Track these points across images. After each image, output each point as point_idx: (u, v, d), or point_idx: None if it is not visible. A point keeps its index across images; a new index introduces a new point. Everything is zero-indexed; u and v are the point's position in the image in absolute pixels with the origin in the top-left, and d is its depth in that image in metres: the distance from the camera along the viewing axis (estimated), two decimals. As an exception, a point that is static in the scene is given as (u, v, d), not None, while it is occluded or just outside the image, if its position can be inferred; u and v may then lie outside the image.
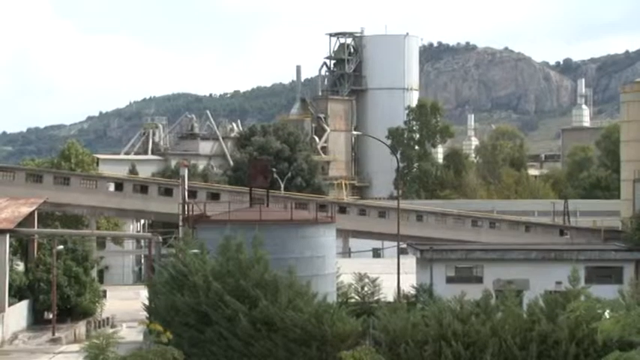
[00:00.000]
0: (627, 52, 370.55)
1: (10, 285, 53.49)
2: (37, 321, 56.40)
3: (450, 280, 52.52)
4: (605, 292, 41.56)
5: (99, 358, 27.10)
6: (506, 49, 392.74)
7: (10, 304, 53.09)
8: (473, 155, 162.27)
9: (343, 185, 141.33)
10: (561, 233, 74.07)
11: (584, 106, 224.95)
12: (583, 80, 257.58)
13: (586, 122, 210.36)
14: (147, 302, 49.00)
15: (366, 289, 51.13)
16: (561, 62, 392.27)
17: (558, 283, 45.70)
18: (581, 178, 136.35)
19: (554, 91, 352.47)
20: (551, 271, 50.53)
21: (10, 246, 54.22)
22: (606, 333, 29.11)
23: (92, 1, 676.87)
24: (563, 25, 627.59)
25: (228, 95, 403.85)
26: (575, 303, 37.99)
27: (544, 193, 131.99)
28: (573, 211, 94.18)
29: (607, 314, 36.64)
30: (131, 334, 49.58)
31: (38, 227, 61.55)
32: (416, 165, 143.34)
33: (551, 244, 63.17)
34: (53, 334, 52.52)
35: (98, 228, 77.86)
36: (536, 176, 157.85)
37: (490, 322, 38.31)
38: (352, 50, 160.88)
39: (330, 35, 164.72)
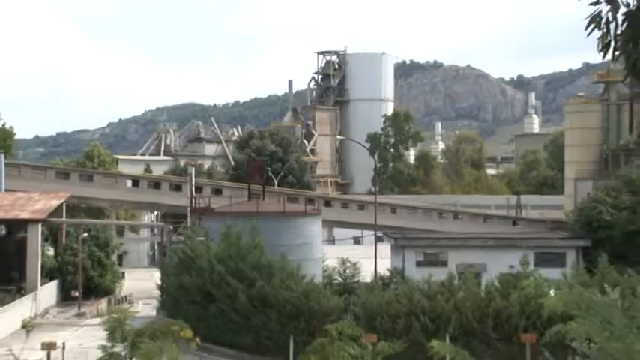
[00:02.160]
0: (570, 69, 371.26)
1: (42, 267, 53.58)
2: (65, 298, 56.42)
3: (419, 263, 52.65)
4: (550, 274, 41.93)
5: (117, 330, 27.02)
6: (468, 66, 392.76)
7: (42, 284, 53.18)
8: (439, 157, 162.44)
9: (328, 183, 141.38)
10: (514, 224, 74.25)
11: (534, 116, 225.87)
12: (533, 94, 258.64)
13: (535, 129, 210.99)
14: (159, 282, 49.11)
15: (347, 271, 51.22)
16: (515, 78, 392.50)
17: (511, 266, 45.85)
18: (531, 177, 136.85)
19: (508, 102, 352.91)
20: (505, 256, 50.69)
21: (42, 234, 54.33)
22: (551, 308, 29.26)
23: (113, 24, 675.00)
24: (516, 46, 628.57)
25: (230, 105, 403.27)
26: (525, 283, 38.27)
27: (499, 190, 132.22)
28: (524, 205, 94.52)
29: (552, 292, 36.87)
30: (146, 309, 49.62)
31: (66, 218, 61.57)
32: (391, 165, 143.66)
33: (506, 233, 63.35)
34: (79, 309, 52.58)
35: (117, 218, 77.84)
36: (493, 175, 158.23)
37: (453, 300, 38.43)
38: (337, 66, 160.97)
39: (318, 53, 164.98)
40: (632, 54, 5.93)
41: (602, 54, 6.11)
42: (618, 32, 5.99)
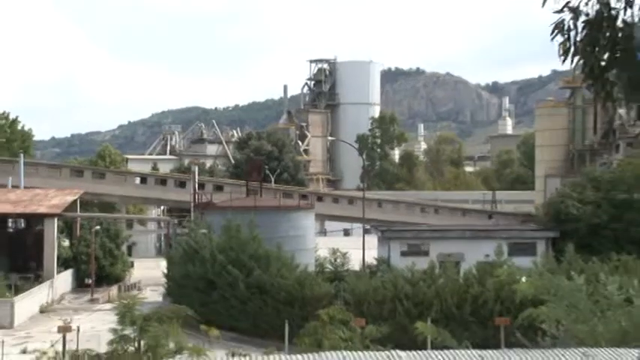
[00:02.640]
0: (540, 76, 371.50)
1: (58, 257, 53.63)
2: (79, 285, 56.46)
3: (403, 253, 52.57)
4: (522, 262, 41.86)
5: (127, 315, 26.97)
6: (447, 73, 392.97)
7: (58, 272, 53.21)
8: (422, 156, 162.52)
9: (320, 179, 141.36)
10: (489, 217, 74.26)
11: (507, 118, 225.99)
12: (507, 98, 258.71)
13: (509, 131, 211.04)
14: (165, 271, 49.13)
15: (337, 260, 51.14)
16: (490, 84, 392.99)
17: (487, 255, 45.83)
18: (505, 174, 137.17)
19: (484, 106, 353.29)
20: (482, 246, 50.68)
21: (57, 227, 54.32)
22: (523, 294, 29.23)
23: (123, 35, 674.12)
24: (492, 55, 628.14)
25: (230, 108, 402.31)
26: (499, 271, 38.28)
27: (476, 186, 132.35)
28: (499, 200, 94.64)
29: (524, 279, 36.83)
30: (153, 295, 49.60)
31: (80, 212, 61.58)
32: (377, 164, 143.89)
33: (482, 226, 63.37)
34: (92, 295, 52.58)
35: (127, 212, 77.83)
36: (470, 173, 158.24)
37: (434, 286, 38.51)
38: (328, 73, 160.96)
39: (311, 61, 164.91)
40: (590, 59, 5.96)
41: (562, 58, 6.13)
42: (578, 39, 6.01)
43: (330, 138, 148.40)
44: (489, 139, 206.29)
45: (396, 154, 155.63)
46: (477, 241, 52.98)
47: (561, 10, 5.97)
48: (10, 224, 55.07)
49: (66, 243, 59.18)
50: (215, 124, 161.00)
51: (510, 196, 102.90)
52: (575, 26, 5.92)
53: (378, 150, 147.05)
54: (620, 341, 16.82)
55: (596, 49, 5.91)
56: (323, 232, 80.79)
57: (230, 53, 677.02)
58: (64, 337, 27.09)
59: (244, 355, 21.24)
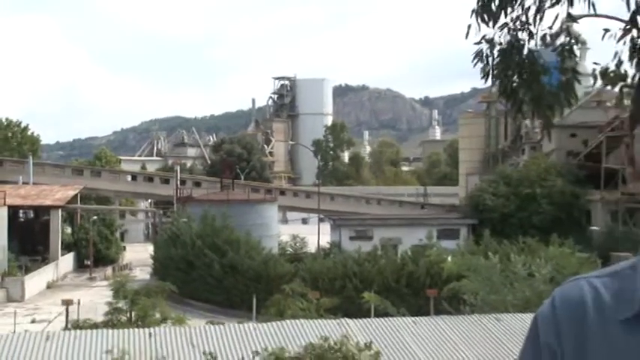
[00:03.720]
0: (462, 92, 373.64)
1: (61, 242, 53.31)
2: (79, 266, 55.96)
3: (351, 238, 52.72)
4: (448, 245, 42.23)
5: (120, 290, 26.78)
6: (388, 89, 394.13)
7: (62, 255, 52.86)
8: (367, 158, 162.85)
9: (282, 177, 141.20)
10: (422, 207, 74.55)
11: (436, 127, 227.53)
12: (436, 110, 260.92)
13: (438, 137, 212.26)
14: (152, 254, 48.90)
15: (297, 244, 51.29)
16: (422, 98, 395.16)
17: (420, 239, 46.13)
18: (434, 172, 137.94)
19: (418, 116, 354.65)
20: (416, 232, 50.98)
21: (61, 216, 54.07)
22: (448, 270, 29.44)
23: (118, 54, 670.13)
24: (424, 74, 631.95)
25: (207, 117, 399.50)
26: (430, 252, 38.57)
27: (411, 182, 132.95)
28: (429, 194, 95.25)
29: (449, 258, 37.13)
30: (142, 274, 49.16)
31: (80, 204, 61.09)
32: (330, 164, 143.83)
33: (416, 215, 63.71)
34: (90, 274, 52.12)
35: (120, 205, 77.13)
36: (406, 171, 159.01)
37: (377, 265, 38.75)
38: (289, 89, 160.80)
39: (274, 78, 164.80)
40: (504, 80, 6.06)
41: (483, 80, 6.23)
42: (494, 64, 6.11)
43: (290, 142, 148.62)
44: (422, 144, 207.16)
45: (346, 156, 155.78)
46: (412, 228, 53.30)
47: (480, 42, 6.07)
48: (20, 215, 54.50)
49: (68, 230, 58.80)
50: (194, 131, 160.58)
51: (438, 190, 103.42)
52: (492, 54, 6.02)
53: (331, 152, 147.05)
54: (524, 307, 17.08)
55: (509, 72, 6.02)
56: (285, 221, 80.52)
57: (207, 71, 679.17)
58: (67, 309, 26.90)
59: (220, 323, 21.22)
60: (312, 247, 50.86)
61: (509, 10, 5.80)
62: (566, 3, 5.89)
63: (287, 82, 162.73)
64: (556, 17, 5.99)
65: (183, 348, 10.09)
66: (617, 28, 5.88)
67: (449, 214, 60.67)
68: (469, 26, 5.81)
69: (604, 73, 6.16)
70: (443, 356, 12.27)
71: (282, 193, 76.04)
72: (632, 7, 5.64)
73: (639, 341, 1.28)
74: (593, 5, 5.78)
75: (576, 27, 6.51)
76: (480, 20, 5.79)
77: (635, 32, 5.71)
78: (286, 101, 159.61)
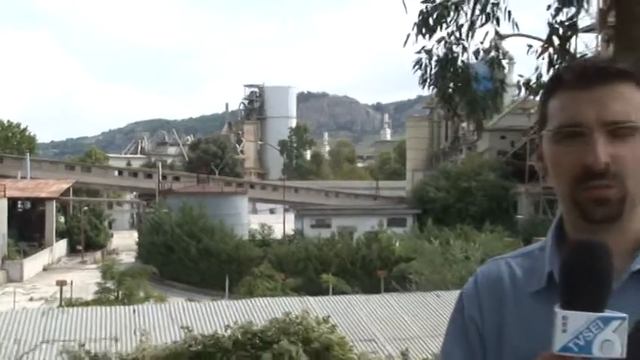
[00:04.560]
0: (410, 99, 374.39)
1: (56, 230, 52.77)
2: (72, 251, 55.20)
3: (312, 226, 52.73)
4: (397, 231, 42.46)
5: (108, 272, 26.58)
6: (345, 95, 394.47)
7: (56, 241, 52.34)
8: (326, 156, 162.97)
9: (252, 173, 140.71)
10: (374, 199, 74.75)
11: (387, 129, 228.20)
12: (387, 114, 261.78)
13: (388, 138, 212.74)
14: (137, 240, 48.52)
15: (265, 232, 51.08)
16: (375, 103, 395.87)
17: (372, 227, 46.33)
18: (385, 169, 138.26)
19: (371, 120, 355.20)
20: (369, 220, 51.15)
21: (55, 207, 53.61)
22: (397, 253, 29.63)
23: (106, 62, 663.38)
24: (376, 82, 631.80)
25: (186, 119, 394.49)
26: (381, 237, 38.78)
27: (365, 177, 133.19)
28: (381, 187, 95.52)
29: (398, 243, 37.39)
30: (127, 258, 48.53)
31: (72, 196, 60.42)
32: (294, 161, 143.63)
33: (369, 206, 63.89)
34: (82, 258, 51.45)
35: (107, 197, 76.42)
36: (361, 167, 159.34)
37: (334, 250, 38.74)
38: (258, 95, 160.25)
39: (245, 86, 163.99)
40: (441, 87, 6.11)
41: (421, 86, 6.28)
42: (433, 72, 6.15)
43: (259, 142, 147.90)
44: (374, 144, 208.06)
45: (308, 154, 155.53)
46: (366, 217, 53.45)
47: (419, 52, 6.12)
48: (19, 205, 53.72)
49: (62, 219, 58.07)
50: (174, 132, 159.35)
51: (388, 184, 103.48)
52: (430, 63, 6.07)
53: (295, 151, 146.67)
54: (461, 285, 17.21)
55: (445, 80, 6.08)
56: (254, 211, 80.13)
57: (185, 78, 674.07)
58: (61, 289, 26.58)
59: (197, 301, 21.14)
60: (278, 234, 50.73)
61: (444, 25, 5.86)
62: (494, 22, 5.96)
63: (256, 89, 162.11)
64: (486, 34, 6.07)
65: (164, 323, 10.06)
66: (538, 45, 5.98)
67: (397, 205, 60.91)
68: (408, 35, 5.87)
69: (527, 83, 6.25)
70: (392, 328, 12.35)
71: (252, 186, 75.81)
72: (549, 28, 5.79)
73: (546, 310, 1.31)
74: (517, 25, 5.88)
75: (505, 44, 6.61)
76: (419, 32, 5.84)
77: (551, 50, 5.80)
78: (256, 106, 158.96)
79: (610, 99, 1.42)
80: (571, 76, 1.46)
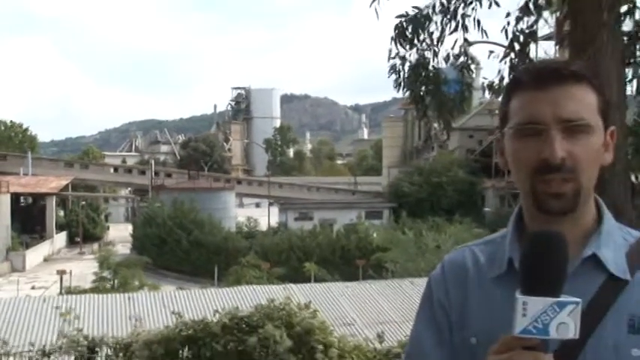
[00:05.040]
0: (385, 101, 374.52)
1: (56, 223, 52.45)
2: (71, 242, 54.86)
3: (296, 219, 52.61)
4: (374, 224, 42.52)
5: (105, 262, 26.41)
6: (325, 97, 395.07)
7: (56, 233, 52.00)
8: (308, 153, 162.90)
9: (239, 169, 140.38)
10: (353, 194, 74.82)
11: (365, 129, 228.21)
12: (364, 115, 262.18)
13: (366, 137, 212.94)
14: (131, 232, 48.28)
15: (251, 224, 50.99)
16: (354, 105, 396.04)
17: (351, 219, 46.41)
18: (363, 165, 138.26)
19: (350, 120, 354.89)
20: (348, 213, 51.22)
21: (55, 202, 53.30)
22: (374, 243, 29.66)
23: (102, 65, 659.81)
24: (355, 84, 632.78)
25: (177, 120, 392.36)
26: (359, 229, 38.81)
27: (345, 173, 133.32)
28: (359, 183, 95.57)
29: (375, 234, 37.43)
30: (123, 249, 48.25)
31: (71, 192, 60.02)
32: (278, 159, 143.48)
33: (348, 200, 63.94)
34: (80, 249, 51.15)
35: (104, 192, 75.95)
36: (340, 164, 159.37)
37: (316, 241, 38.76)
38: (244, 96, 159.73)
39: (232, 88, 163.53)
40: (413, 90, 6.13)
41: (396, 89, 6.31)
42: (406, 77, 6.17)
43: (245, 141, 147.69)
44: (353, 142, 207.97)
45: (291, 152, 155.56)
46: (345, 210, 53.53)
47: (394, 57, 6.14)
48: (22, 200, 53.36)
49: (61, 213, 57.74)
50: (166, 131, 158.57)
51: (366, 180, 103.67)
52: (403, 68, 6.09)
53: (279, 149, 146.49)
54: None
55: (417, 84, 6.09)
56: (241, 205, 79.92)
57: (177, 81, 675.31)
58: (61, 278, 26.41)
59: (187, 289, 21.09)
60: (263, 227, 50.68)
61: (420, 35, 5.89)
62: (462, 30, 6.00)
63: (242, 91, 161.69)
64: (455, 41, 6.11)
65: (157, 309, 10.03)
66: (501, 51, 6.02)
67: (374, 199, 61.04)
68: (390, 50, 5.91)
69: (490, 86, 6.30)
70: (369, 313, 12.38)
71: (239, 182, 75.63)
72: (510, 36, 5.84)
73: (506, 294, 1.33)
74: (485, 32, 5.92)
75: (474, 49, 6.64)
76: (397, 44, 5.87)
77: (512, 55, 5.85)
78: (242, 107, 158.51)
79: (564, 99, 1.43)
80: (528, 77, 1.48)
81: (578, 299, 1.24)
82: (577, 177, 1.42)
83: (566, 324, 1.23)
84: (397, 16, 5.91)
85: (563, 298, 1.25)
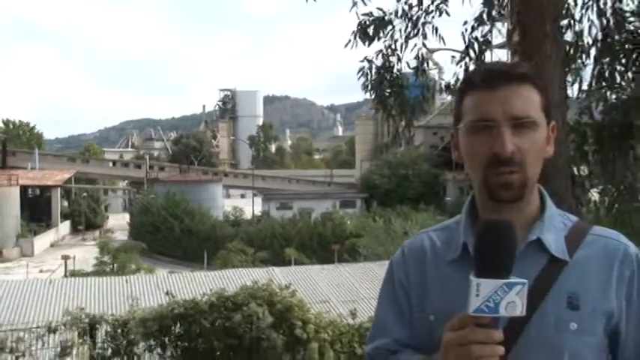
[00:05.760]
0: (358, 101, 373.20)
1: (60, 212, 51.99)
2: (74, 230, 54.31)
3: (277, 208, 52.46)
4: (348, 212, 42.54)
5: (105, 248, 26.17)
6: (304, 98, 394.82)
7: (61, 222, 51.56)
8: (288, 149, 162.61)
9: (226, 163, 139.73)
10: (329, 185, 74.88)
11: (339, 127, 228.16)
12: (339, 114, 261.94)
13: (340, 134, 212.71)
14: (129, 221, 47.92)
15: (237, 213, 50.76)
16: (329, 105, 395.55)
17: (327, 208, 46.41)
18: (338, 159, 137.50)
19: (326, 119, 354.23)
20: (324, 203, 51.22)
21: (60, 193, 52.85)
22: (348, 230, 29.70)
23: (102, 69, 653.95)
24: (331, 86, 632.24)
25: (169, 119, 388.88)
26: (334, 217, 38.80)
27: (322, 167, 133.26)
28: (334, 175, 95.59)
29: (349, 222, 37.44)
30: (121, 236, 47.84)
31: (74, 184, 59.46)
32: (261, 154, 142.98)
33: (324, 191, 63.94)
34: (83, 236, 50.70)
35: (104, 184, 75.28)
36: (317, 158, 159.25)
37: (295, 228, 38.68)
38: (230, 97, 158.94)
39: (220, 90, 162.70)
40: (379, 92, 6.13)
41: (364, 91, 6.31)
42: (373, 79, 6.17)
43: (232, 138, 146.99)
44: (329, 139, 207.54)
45: (273, 147, 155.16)
46: (322, 200, 53.49)
47: (362, 61, 6.13)
48: (29, 192, 52.78)
49: (65, 204, 57.17)
50: (160, 129, 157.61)
51: (340, 173, 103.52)
52: (371, 72, 6.08)
53: (262, 145, 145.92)
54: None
55: (382, 86, 6.09)
56: (227, 196, 79.51)
57: (170, 83, 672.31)
58: (65, 262, 26.16)
59: (180, 272, 21.00)
60: (248, 215, 50.53)
61: (381, 37, 5.90)
62: (422, 37, 6.02)
63: (229, 93, 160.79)
64: (414, 47, 6.12)
65: (151, 290, 9.96)
66: (458, 56, 6.04)
67: (348, 190, 61.15)
68: (349, 41, 5.90)
69: (447, 87, 6.32)
70: (343, 292, 12.41)
71: (226, 175, 75.23)
72: (466, 42, 5.88)
73: (461, 275, 1.33)
74: (443, 39, 5.94)
75: (439, 54, 6.67)
76: (357, 39, 5.87)
77: (467, 59, 5.88)
78: (228, 107, 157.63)
79: (513, 98, 1.43)
80: (479, 79, 1.48)
81: (524, 280, 1.25)
82: (524, 169, 1.43)
83: (514, 303, 1.24)
84: (363, 14, 5.91)
85: (511, 280, 1.25)
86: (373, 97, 6.31)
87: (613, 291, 1.41)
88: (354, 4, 5.68)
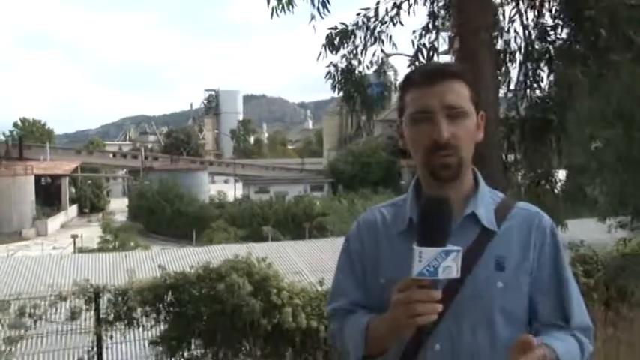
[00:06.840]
0: (325, 99, 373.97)
1: (69, 198, 51.38)
2: (81, 213, 53.53)
3: (256, 192, 52.19)
4: (317, 195, 42.58)
5: (107, 228, 25.87)
6: (279, 97, 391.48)
7: (69, 206, 50.92)
8: (265, 141, 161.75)
9: (211, 154, 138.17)
10: (300, 172, 74.75)
11: (309, 121, 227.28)
12: (309, 110, 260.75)
13: (310, 127, 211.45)
14: (128, 204, 47.34)
15: (221, 197, 50.33)
16: (300, 102, 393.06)
17: (299, 192, 46.38)
18: (309, 149, 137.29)
19: (297, 114, 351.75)
20: (297, 187, 51.27)
21: (68, 181, 52.16)
22: (317, 210, 29.73)
23: (105, 72, 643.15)
24: (302, 85, 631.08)
25: (162, 115, 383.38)
26: (305, 200, 38.79)
27: (294, 156, 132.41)
28: (306, 163, 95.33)
29: (318, 203, 37.48)
30: (121, 218, 47.10)
31: (80, 173, 58.59)
32: (242, 145, 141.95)
33: (297, 176, 63.92)
34: (88, 218, 49.94)
35: (106, 173, 74.26)
36: (290, 149, 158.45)
37: (272, 209, 38.54)
38: (214, 96, 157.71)
39: (205, 89, 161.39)
40: (345, 90, 6.15)
41: (332, 90, 6.32)
42: (338, 80, 6.17)
43: (216, 132, 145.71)
44: (300, 132, 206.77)
45: (252, 140, 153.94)
46: (295, 185, 53.52)
47: (329, 66, 6.14)
48: (42, 181, 51.95)
49: (73, 190, 56.37)
50: (153, 124, 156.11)
51: (311, 161, 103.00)
52: (337, 74, 6.08)
53: (242, 138, 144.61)
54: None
55: (347, 85, 6.10)
56: (213, 182, 78.85)
57: (162, 84, 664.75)
58: (74, 241, 25.82)
59: (171, 249, 20.86)
60: (230, 199, 50.22)
61: (345, 45, 5.93)
62: (379, 44, 6.05)
63: (213, 92, 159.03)
64: (374, 53, 6.14)
65: (147, 264, 9.92)
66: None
67: (317, 176, 61.28)
68: (320, 53, 5.92)
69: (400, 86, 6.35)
70: (313, 264, 12.43)
71: (211, 164, 74.88)
72: (415, 48, 5.95)
73: (409, 246, 1.33)
74: (395, 46, 5.99)
75: (397, 58, 6.71)
76: (327, 49, 5.89)
77: (417, 63, 5.94)
78: (213, 105, 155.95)
79: (447, 92, 1.45)
80: (418, 76, 1.50)
81: (459, 247, 1.28)
82: (459, 152, 1.45)
83: (450, 267, 1.26)
84: (329, 28, 5.95)
85: (448, 247, 1.27)
86: (340, 95, 6.32)
87: (530, 253, 1.45)
88: (312, 17, 5.68)
